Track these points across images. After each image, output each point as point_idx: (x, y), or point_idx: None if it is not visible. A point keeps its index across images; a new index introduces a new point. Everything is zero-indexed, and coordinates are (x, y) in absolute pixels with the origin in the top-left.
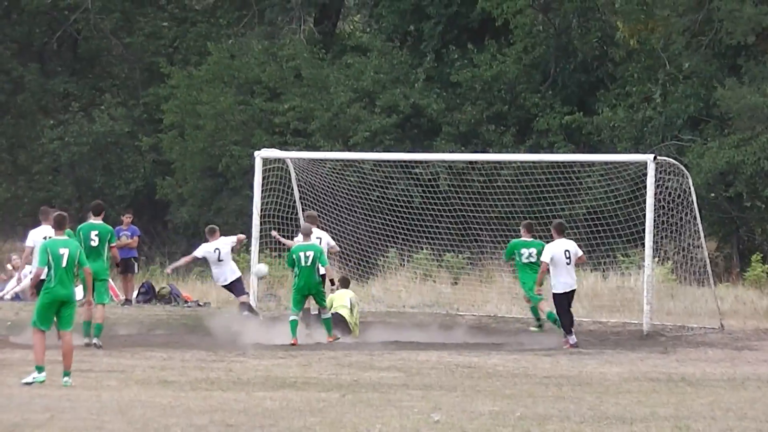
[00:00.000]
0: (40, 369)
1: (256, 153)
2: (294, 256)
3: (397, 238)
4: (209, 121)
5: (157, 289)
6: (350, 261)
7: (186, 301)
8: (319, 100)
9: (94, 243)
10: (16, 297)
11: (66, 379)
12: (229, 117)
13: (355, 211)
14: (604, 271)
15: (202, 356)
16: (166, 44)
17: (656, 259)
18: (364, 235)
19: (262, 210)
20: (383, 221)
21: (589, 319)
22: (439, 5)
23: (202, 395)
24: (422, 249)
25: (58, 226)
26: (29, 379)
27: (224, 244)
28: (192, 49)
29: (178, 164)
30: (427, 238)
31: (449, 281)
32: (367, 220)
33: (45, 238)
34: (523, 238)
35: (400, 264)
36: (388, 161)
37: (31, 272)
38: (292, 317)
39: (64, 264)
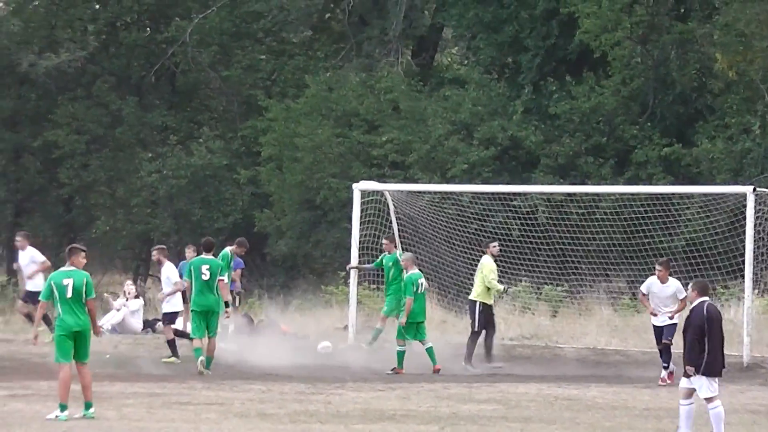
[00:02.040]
0: (62, 407)
1: (354, 185)
2: (413, 284)
3: (496, 270)
4: (307, 154)
5: (255, 322)
6: (449, 293)
7: (284, 333)
8: (416, 133)
9: (205, 277)
10: (113, 330)
11: (90, 411)
12: (327, 149)
13: (454, 244)
14: None
15: (301, 389)
16: (263, 77)
17: (756, 291)
18: (463, 267)
19: (360, 242)
20: (480, 254)
21: None
22: (537, 38)
23: (300, 428)
24: (521, 281)
25: (72, 257)
26: (52, 416)
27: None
28: (289, 81)
29: (276, 197)
30: (525, 270)
31: (548, 313)
32: (466, 253)
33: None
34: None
35: (500, 296)
36: (486, 193)
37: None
38: (400, 347)
39: (69, 295)
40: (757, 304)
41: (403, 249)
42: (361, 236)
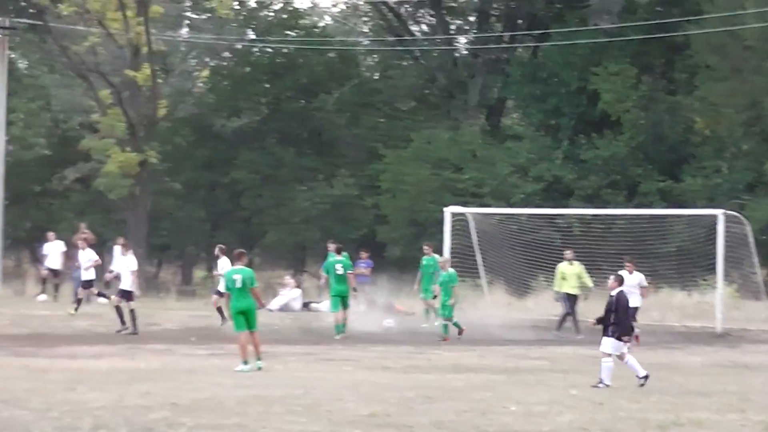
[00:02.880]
0: (244, 362)
1: (445, 209)
2: (451, 279)
3: (543, 267)
4: (412, 187)
5: (378, 303)
6: (512, 283)
7: (398, 311)
8: (488, 172)
9: (339, 272)
10: (280, 309)
11: (260, 363)
12: (426, 184)
13: (515, 249)
14: (689, 291)
15: (410, 349)
16: (382, 134)
17: (725, 282)
18: (522, 265)
19: (451, 249)
20: (533, 256)
21: (679, 324)
22: (572, 105)
23: (410, 377)
24: None
25: (237, 259)
26: (238, 368)
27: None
28: (400, 137)
29: (392, 217)
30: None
31: (582, 298)
32: (523, 255)
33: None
34: None
35: (547, 284)
36: (537, 215)
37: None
38: (446, 322)
39: (238, 285)
40: (726, 291)
41: (481, 254)
42: (451, 245)
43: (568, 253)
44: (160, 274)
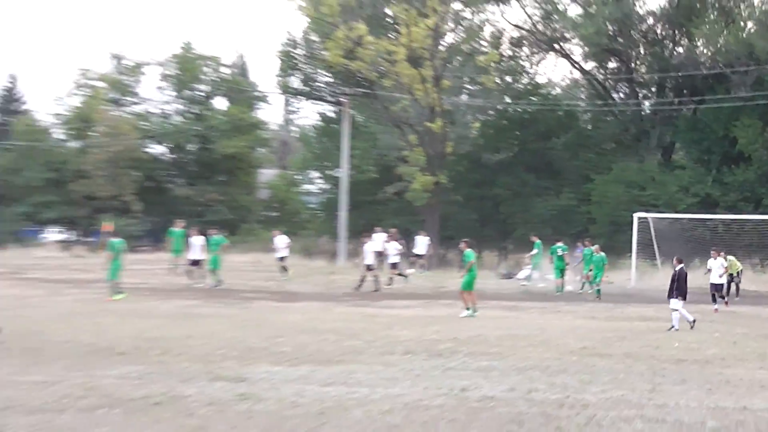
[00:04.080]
0: (471, 309)
1: (634, 215)
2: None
3: (698, 253)
4: (611, 200)
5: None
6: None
7: (603, 281)
8: (662, 191)
9: (560, 253)
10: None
11: (475, 313)
12: (621, 198)
13: (679, 241)
14: None
15: (609, 306)
16: (593, 165)
17: None
18: (682, 251)
19: (636, 242)
20: (691, 246)
21: None
22: (719, 147)
23: (609, 323)
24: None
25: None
26: (463, 314)
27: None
28: (604, 167)
29: (598, 219)
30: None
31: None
32: (685, 245)
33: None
34: None
35: (700, 264)
36: (694, 219)
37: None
38: (599, 287)
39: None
40: None
41: (657, 244)
42: (637, 238)
43: (714, 252)
44: (447, 255)
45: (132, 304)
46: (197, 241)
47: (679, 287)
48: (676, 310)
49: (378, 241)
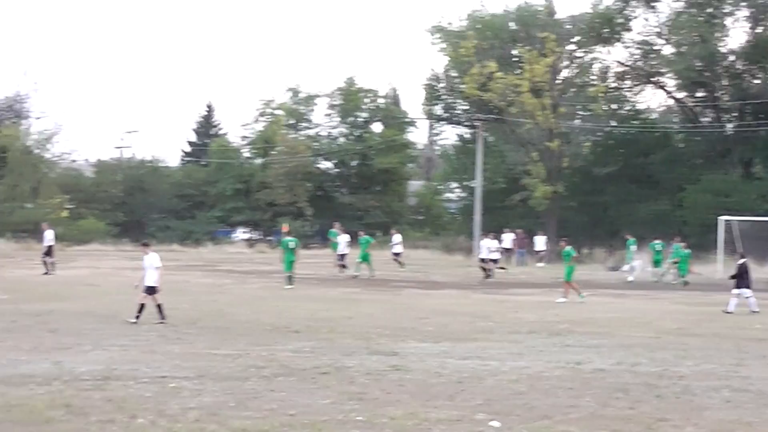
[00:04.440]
0: (571, 296)
1: (719, 218)
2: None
3: None
4: (700, 206)
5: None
6: (757, 258)
7: (691, 272)
8: (744, 198)
9: (657, 248)
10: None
11: (582, 298)
12: (709, 204)
13: (759, 240)
14: None
15: (698, 293)
16: (685, 176)
17: None
18: (762, 249)
19: (724, 240)
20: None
21: None
22: None
23: (698, 308)
24: None
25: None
26: (560, 300)
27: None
28: (694, 179)
29: (690, 221)
30: None
31: None
32: (764, 244)
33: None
34: None
35: None
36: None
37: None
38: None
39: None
40: None
41: (741, 241)
42: (724, 237)
43: None
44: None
45: (304, 291)
46: (344, 239)
47: (740, 276)
48: (737, 296)
49: (507, 239)
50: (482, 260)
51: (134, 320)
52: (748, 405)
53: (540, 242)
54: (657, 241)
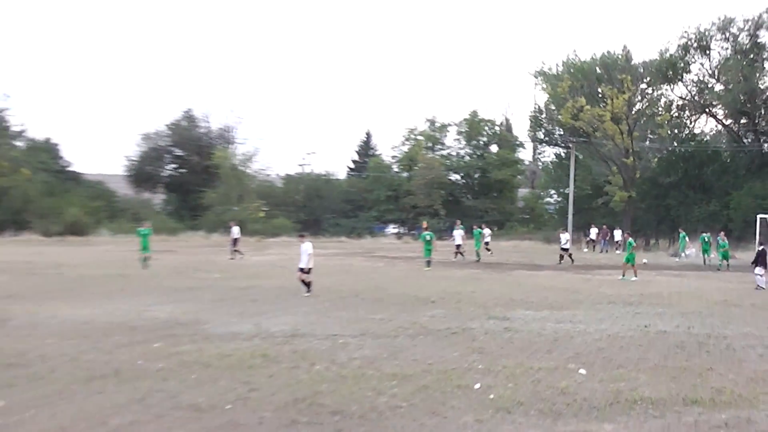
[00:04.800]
0: (628, 276)
1: (758, 216)
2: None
3: None
4: (744, 207)
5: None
6: None
7: (733, 257)
8: None
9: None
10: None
11: (633, 279)
12: (750, 205)
13: None
14: None
15: (740, 274)
16: (731, 184)
17: None
18: None
19: (758, 235)
20: None
21: None
22: None
23: (742, 286)
24: None
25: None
26: (621, 278)
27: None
28: (739, 186)
29: (735, 219)
30: None
31: None
32: None
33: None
34: None
35: None
36: None
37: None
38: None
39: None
40: None
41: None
42: (759, 233)
43: None
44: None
45: (439, 272)
46: (459, 232)
47: (761, 259)
48: (760, 275)
49: (593, 232)
50: (563, 249)
51: (308, 293)
52: None
53: (618, 235)
54: (705, 234)
